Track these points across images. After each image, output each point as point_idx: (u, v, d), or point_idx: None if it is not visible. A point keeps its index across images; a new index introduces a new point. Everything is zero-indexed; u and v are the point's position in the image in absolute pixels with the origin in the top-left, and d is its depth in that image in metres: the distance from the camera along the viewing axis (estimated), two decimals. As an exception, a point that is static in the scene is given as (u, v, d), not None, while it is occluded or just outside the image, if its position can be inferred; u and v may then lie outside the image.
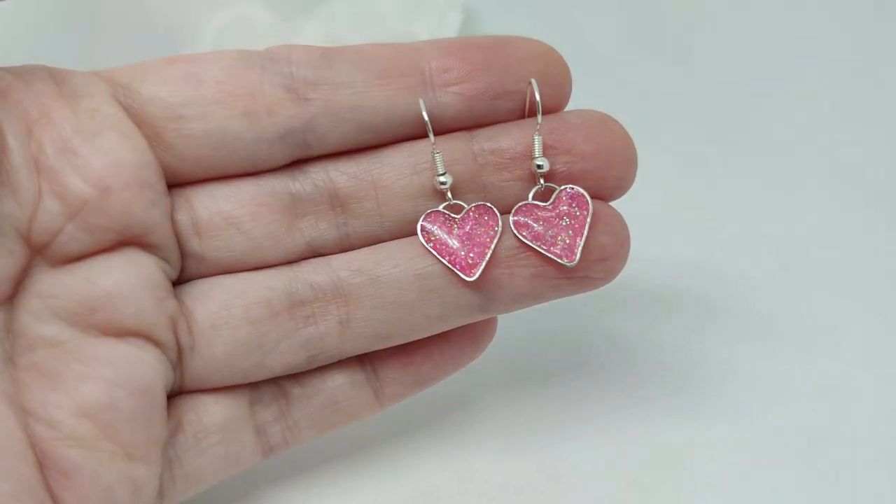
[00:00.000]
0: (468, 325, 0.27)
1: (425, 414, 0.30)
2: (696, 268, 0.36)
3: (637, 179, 0.26)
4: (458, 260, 0.25)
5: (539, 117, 0.25)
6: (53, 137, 0.23)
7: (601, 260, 0.25)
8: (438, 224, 0.26)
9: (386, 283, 0.25)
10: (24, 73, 0.23)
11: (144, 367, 0.23)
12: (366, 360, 0.27)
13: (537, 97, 0.25)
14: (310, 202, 0.26)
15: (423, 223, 0.26)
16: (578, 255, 0.25)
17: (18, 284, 0.23)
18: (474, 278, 0.25)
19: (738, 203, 0.40)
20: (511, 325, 0.29)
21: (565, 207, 0.25)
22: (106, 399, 0.22)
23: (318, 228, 0.26)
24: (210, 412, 0.25)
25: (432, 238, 0.25)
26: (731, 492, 0.27)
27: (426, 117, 0.25)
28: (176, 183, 0.25)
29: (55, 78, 0.24)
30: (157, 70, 0.24)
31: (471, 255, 0.25)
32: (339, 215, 0.26)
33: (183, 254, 0.25)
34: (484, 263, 0.25)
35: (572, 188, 0.25)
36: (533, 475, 0.28)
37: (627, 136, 0.26)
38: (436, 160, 0.25)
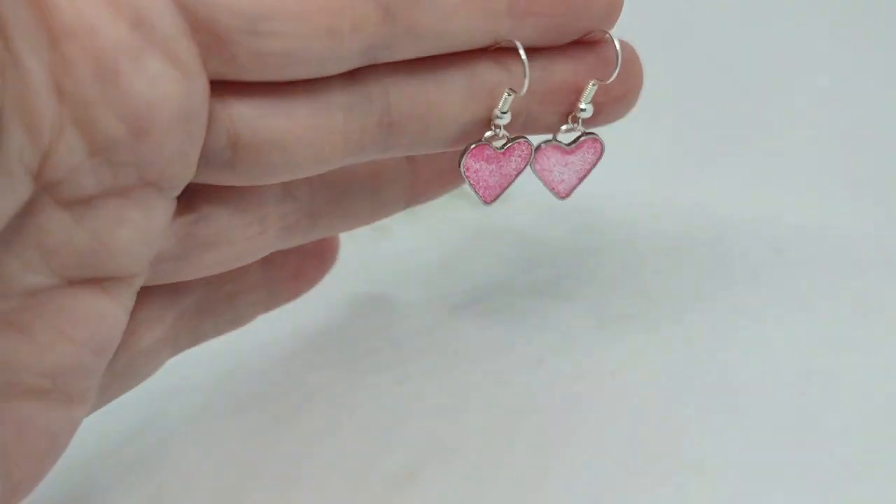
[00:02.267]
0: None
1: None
2: (686, 249, 0.37)
3: (629, 162, 0.28)
4: (481, 183, 0.26)
5: (615, 73, 0.26)
6: (87, 54, 0.18)
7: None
8: (482, 159, 0.26)
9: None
10: None
11: None
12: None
13: (617, 48, 0.25)
14: (361, 117, 0.24)
15: (466, 157, 0.26)
16: (571, 192, 0.28)
17: (16, 219, 0.19)
18: (490, 203, 0.27)
19: (729, 187, 0.41)
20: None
21: (580, 154, 0.27)
22: None
23: (363, 147, 0.24)
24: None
25: (472, 164, 0.26)
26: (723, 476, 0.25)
27: (523, 55, 0.24)
28: (220, 81, 0.21)
29: None
30: None
31: (495, 182, 0.27)
32: (388, 134, 0.24)
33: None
34: (502, 191, 0.27)
35: (594, 138, 0.27)
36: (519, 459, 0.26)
37: (642, 71, 0.27)
38: (504, 100, 0.25)
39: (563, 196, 0.28)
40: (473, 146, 0.26)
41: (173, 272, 0.24)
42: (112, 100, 0.19)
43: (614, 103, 0.27)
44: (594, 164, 0.28)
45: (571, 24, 0.25)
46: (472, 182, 0.26)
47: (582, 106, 0.26)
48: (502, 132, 0.26)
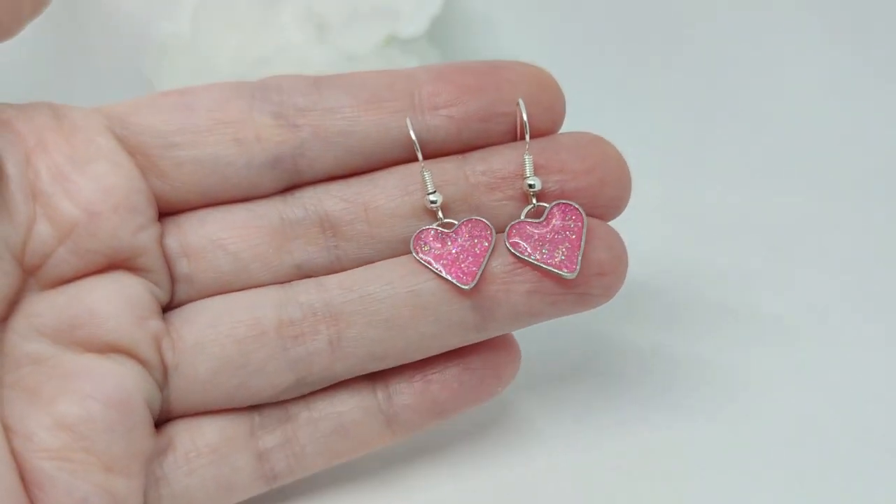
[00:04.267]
0: (488, 356, 0.26)
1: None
2: (684, 257, 0.35)
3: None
4: (453, 269, 0.25)
5: (527, 137, 0.25)
6: (49, 165, 0.24)
7: (599, 275, 0.25)
8: (430, 238, 0.25)
9: (378, 300, 0.25)
10: (26, 108, 0.25)
11: (122, 379, 0.23)
12: (379, 384, 0.26)
13: (524, 116, 0.25)
14: (300, 226, 0.26)
15: (416, 239, 0.25)
16: (579, 265, 0.25)
17: (12, 305, 0.23)
18: (471, 286, 0.25)
19: (726, 187, 0.39)
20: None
21: (559, 222, 0.25)
22: (81, 411, 0.22)
23: (308, 251, 0.26)
24: (204, 433, 0.25)
25: (425, 253, 0.25)
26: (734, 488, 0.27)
27: (413, 135, 0.25)
28: (170, 211, 0.25)
29: (56, 112, 0.25)
30: (151, 102, 0.25)
31: (466, 263, 0.25)
32: (330, 238, 0.26)
33: (173, 278, 0.25)
34: (480, 272, 0.25)
35: (564, 202, 0.25)
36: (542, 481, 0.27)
37: (621, 157, 0.26)
38: (425, 178, 0.25)
39: (573, 270, 0.25)
40: (422, 229, 0.25)
41: None
42: (68, 192, 0.24)
43: (577, 180, 0.25)
44: (582, 230, 0.25)
45: (483, 110, 0.26)
46: (431, 262, 0.25)
47: (529, 181, 0.25)
48: (444, 219, 0.25)
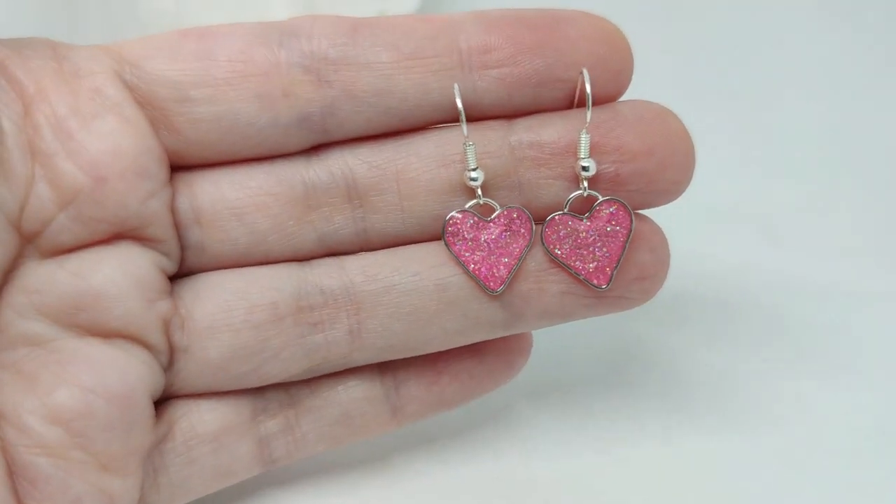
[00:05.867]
0: (501, 346, 0.25)
1: (447, 421, 0.28)
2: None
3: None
4: (482, 270, 0.23)
5: (588, 114, 0.22)
6: (50, 119, 0.21)
7: (639, 279, 0.23)
8: (466, 227, 0.23)
9: (403, 292, 0.23)
10: (23, 48, 0.22)
11: (127, 372, 0.21)
12: (387, 375, 0.25)
13: (588, 90, 0.22)
14: (324, 193, 0.23)
15: (449, 224, 0.23)
16: (612, 278, 0.23)
17: (7, 274, 0.21)
18: (499, 291, 0.23)
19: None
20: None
21: (604, 224, 0.23)
22: (80, 406, 0.21)
23: (333, 222, 0.23)
24: (205, 420, 0.23)
25: (457, 242, 0.23)
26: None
27: (460, 105, 0.22)
28: (181, 165, 0.23)
29: (57, 53, 0.22)
30: (167, 45, 0.22)
31: (498, 266, 0.23)
32: (357, 209, 0.23)
33: (183, 244, 0.23)
34: (511, 276, 0.23)
35: (615, 202, 0.23)
36: (557, 486, 0.26)
37: (687, 135, 0.23)
38: (467, 153, 0.23)
39: (604, 283, 0.23)
40: (456, 211, 0.23)
41: None
42: (72, 152, 0.21)
43: (634, 162, 0.22)
44: (626, 238, 0.23)
45: (539, 73, 0.22)
46: (460, 258, 0.23)
47: (583, 163, 0.22)
48: (483, 199, 0.23)
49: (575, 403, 0.29)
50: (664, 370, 0.30)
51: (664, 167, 0.23)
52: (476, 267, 0.23)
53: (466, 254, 0.23)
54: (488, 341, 0.25)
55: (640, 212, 0.23)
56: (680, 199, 0.24)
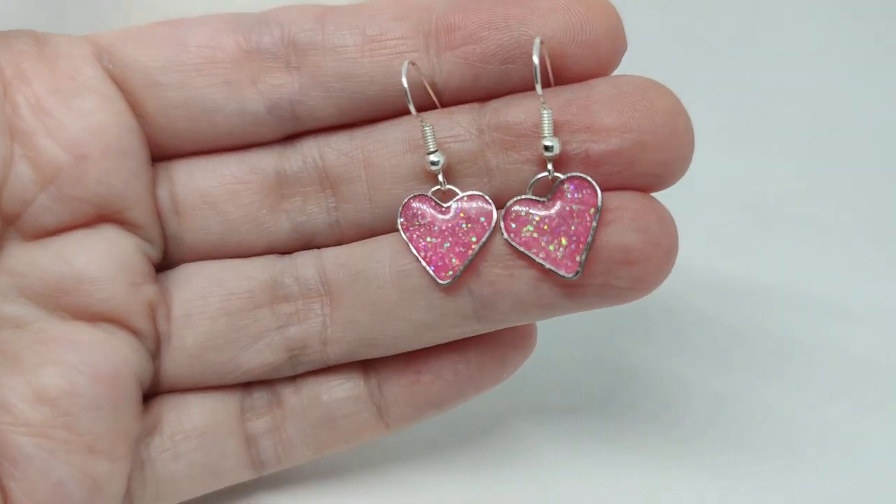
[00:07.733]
0: (490, 342, 0.23)
1: (443, 435, 0.26)
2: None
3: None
4: (433, 258, 0.21)
5: (538, 87, 0.20)
6: (29, 98, 0.21)
7: (625, 264, 0.20)
8: (421, 213, 0.22)
9: (366, 280, 0.22)
10: (5, 35, 0.23)
11: (112, 352, 0.21)
12: (370, 374, 0.24)
13: (535, 62, 0.20)
14: (297, 181, 0.23)
15: (405, 209, 0.22)
16: (581, 265, 0.20)
17: None
18: (447, 283, 0.21)
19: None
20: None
21: (565, 203, 0.20)
22: (65, 384, 0.21)
23: (305, 212, 0.23)
24: (191, 413, 0.23)
25: (411, 228, 0.22)
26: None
27: (405, 83, 0.21)
28: (158, 155, 0.23)
29: (38, 39, 0.23)
30: (140, 33, 0.23)
31: (450, 255, 0.21)
32: (330, 198, 0.23)
33: (165, 235, 0.23)
34: (463, 267, 0.21)
35: (576, 178, 0.20)
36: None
37: (676, 110, 0.20)
38: (425, 135, 0.21)
39: (571, 272, 0.20)
40: (413, 194, 0.22)
41: None
42: (52, 130, 0.22)
43: (606, 141, 0.20)
44: (593, 219, 0.20)
45: (503, 49, 0.21)
46: (413, 246, 0.22)
47: (545, 142, 0.20)
48: (446, 185, 0.22)
49: (575, 421, 0.26)
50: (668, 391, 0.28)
51: (643, 147, 0.20)
52: (426, 255, 0.22)
53: (420, 241, 0.22)
54: (473, 338, 0.23)
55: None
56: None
